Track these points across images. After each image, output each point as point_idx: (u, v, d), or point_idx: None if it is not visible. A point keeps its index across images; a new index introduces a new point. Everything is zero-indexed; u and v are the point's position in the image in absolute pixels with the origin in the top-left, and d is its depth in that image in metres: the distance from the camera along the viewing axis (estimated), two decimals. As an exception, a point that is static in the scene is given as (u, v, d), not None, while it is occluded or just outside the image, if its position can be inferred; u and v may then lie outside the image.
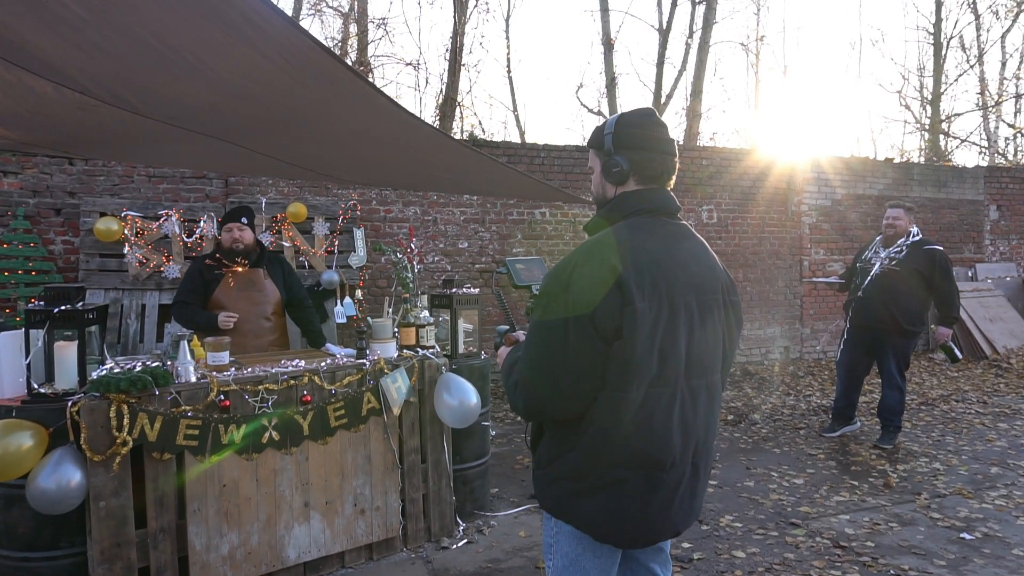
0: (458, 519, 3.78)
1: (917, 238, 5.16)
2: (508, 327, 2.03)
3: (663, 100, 12.31)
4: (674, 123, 12.99)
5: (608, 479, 1.60)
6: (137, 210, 6.22)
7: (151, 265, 6.20)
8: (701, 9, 11.96)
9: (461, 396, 3.46)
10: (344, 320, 6.51)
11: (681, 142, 11.67)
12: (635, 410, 1.55)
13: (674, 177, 1.76)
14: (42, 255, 6.22)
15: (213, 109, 2.95)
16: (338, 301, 6.69)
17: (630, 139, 1.70)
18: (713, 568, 3.36)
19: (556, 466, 1.66)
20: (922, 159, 13.88)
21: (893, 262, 5.12)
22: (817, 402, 6.81)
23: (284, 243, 6.55)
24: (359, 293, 6.96)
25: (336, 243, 6.76)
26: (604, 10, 11.75)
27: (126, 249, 6.11)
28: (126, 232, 6.07)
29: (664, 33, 12.09)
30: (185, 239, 6.30)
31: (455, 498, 3.75)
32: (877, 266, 5.19)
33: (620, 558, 1.82)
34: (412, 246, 3.96)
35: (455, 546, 3.58)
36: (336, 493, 3.27)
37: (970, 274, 9.88)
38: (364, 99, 2.69)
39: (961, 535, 3.71)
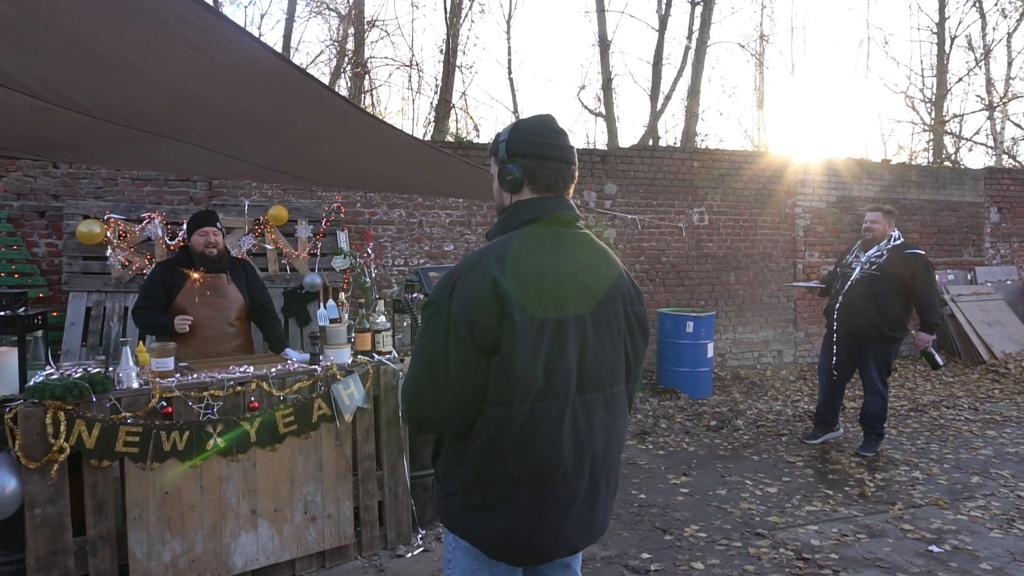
0: (417, 527, 3.74)
1: (898, 242, 5.06)
2: None
3: (661, 100, 12.23)
4: (672, 124, 12.89)
5: (496, 495, 1.56)
6: (120, 213, 6.23)
7: (134, 267, 6.20)
8: (699, 9, 11.87)
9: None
10: (327, 323, 6.48)
11: (678, 143, 11.59)
12: (520, 425, 1.51)
13: (573, 185, 1.72)
14: (25, 257, 6.25)
15: (167, 111, 2.93)
16: (321, 304, 6.68)
17: (524, 146, 1.66)
18: (669, 580, 3.30)
19: (449, 481, 1.63)
20: (929, 160, 13.69)
21: (873, 266, 5.03)
22: (805, 407, 6.72)
23: (267, 245, 6.55)
24: (343, 296, 6.94)
25: (320, 245, 6.74)
26: (600, 11, 11.68)
27: (109, 252, 6.12)
28: (109, 235, 6.09)
29: (661, 33, 12.01)
30: (168, 241, 6.31)
31: (415, 506, 3.71)
32: (857, 271, 5.10)
33: (522, 573, 1.77)
34: (369, 250, 3.91)
35: (411, 554, 3.54)
36: (285, 500, 3.24)
37: (969, 277, 9.72)
38: (318, 98, 2.66)
39: (930, 548, 3.63)
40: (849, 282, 5.12)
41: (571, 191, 1.73)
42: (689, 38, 12.25)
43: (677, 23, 20.52)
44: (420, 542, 3.65)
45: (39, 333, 2.98)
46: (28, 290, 5.93)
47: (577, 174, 1.74)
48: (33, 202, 6.36)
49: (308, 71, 2.71)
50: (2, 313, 2.77)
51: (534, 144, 1.66)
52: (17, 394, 2.79)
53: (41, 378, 2.77)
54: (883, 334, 5.00)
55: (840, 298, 5.15)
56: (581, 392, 1.58)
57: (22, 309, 2.86)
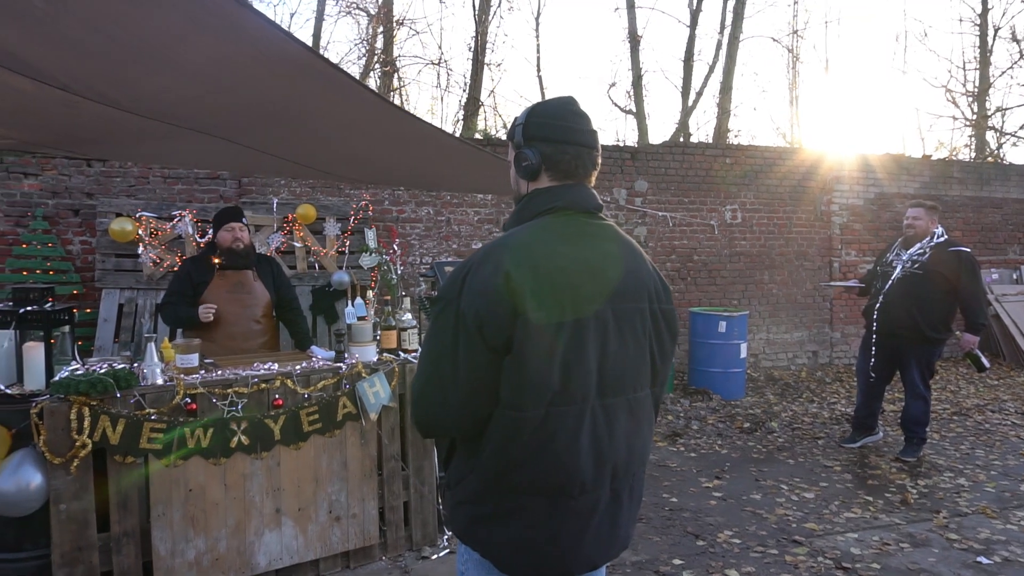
0: (443, 528, 3.68)
1: (942, 239, 4.86)
2: None
3: (692, 97, 12.03)
4: (704, 120, 12.68)
5: (508, 506, 1.45)
6: (152, 211, 6.29)
7: (164, 265, 6.25)
8: (732, 3, 11.65)
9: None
10: (355, 320, 6.47)
11: (710, 140, 11.39)
12: (533, 431, 1.40)
13: (595, 172, 1.59)
14: (60, 255, 6.34)
15: (197, 102, 2.90)
16: (349, 302, 6.66)
17: (542, 130, 1.54)
18: (702, 587, 3.19)
19: (460, 489, 1.52)
20: (971, 156, 13.27)
21: (915, 265, 4.84)
22: (842, 410, 6.52)
23: (295, 243, 6.56)
24: (370, 294, 6.93)
25: (347, 243, 6.73)
26: (631, 6, 11.52)
27: (140, 249, 6.18)
28: (140, 233, 6.15)
29: (693, 28, 11.81)
30: (198, 239, 6.35)
31: (441, 506, 3.64)
32: (898, 269, 4.91)
33: None
34: (395, 247, 3.86)
35: (436, 556, 3.47)
36: (310, 499, 3.20)
37: (1015, 276, 9.38)
38: (348, 91, 2.62)
39: (978, 559, 3.46)
40: (890, 281, 4.93)
41: (593, 178, 1.60)
42: (721, 33, 12.03)
43: (708, 18, 20.21)
44: (446, 543, 3.58)
45: (66, 328, 2.98)
46: (61, 287, 6.02)
47: (600, 160, 1.62)
48: (68, 200, 6.44)
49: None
50: (29, 308, 2.76)
51: (553, 127, 1.54)
52: (43, 389, 2.79)
53: (67, 373, 2.76)
54: (926, 335, 4.81)
55: (880, 298, 4.97)
56: (602, 396, 1.46)
57: (48, 304, 2.85)
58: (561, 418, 1.41)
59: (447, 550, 3.53)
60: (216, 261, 3.99)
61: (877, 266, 5.23)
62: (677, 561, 3.45)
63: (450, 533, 3.67)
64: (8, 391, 2.77)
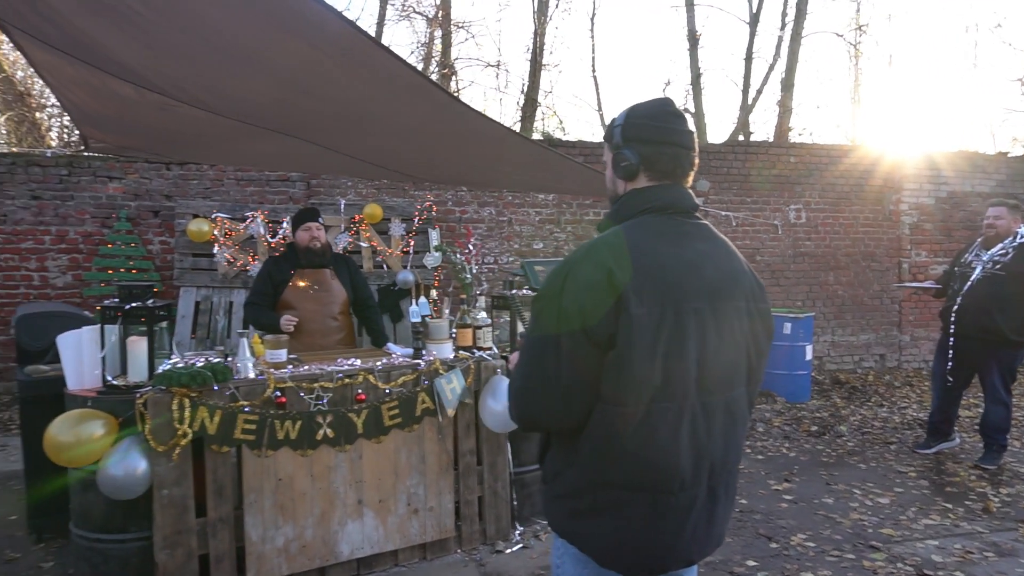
0: (515, 523, 3.74)
1: (1025, 239, 4.70)
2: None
3: (752, 95, 11.85)
4: (763, 119, 12.46)
5: (608, 500, 1.48)
6: (226, 212, 6.54)
7: (238, 264, 6.50)
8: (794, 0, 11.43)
9: (506, 401, 3.38)
10: (419, 320, 6.60)
11: (770, 139, 11.19)
12: (635, 427, 1.42)
13: (692, 173, 1.62)
14: (142, 254, 6.65)
15: (280, 105, 3.03)
16: (413, 301, 6.80)
17: (641, 131, 1.57)
18: (778, 589, 3.17)
19: (558, 483, 1.56)
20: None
21: (997, 265, 4.68)
22: (913, 415, 6.34)
23: (362, 243, 6.73)
24: (434, 293, 7.05)
25: (412, 243, 6.87)
26: (689, 4, 11.42)
27: (216, 249, 6.44)
28: (216, 233, 6.40)
29: (753, 25, 11.62)
30: (269, 239, 6.57)
31: (515, 501, 3.71)
32: (978, 270, 4.76)
33: None
34: (470, 247, 3.94)
35: (510, 550, 3.53)
36: (390, 492, 3.29)
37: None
38: (424, 94, 2.70)
39: (1068, 570, 3.34)
40: (969, 282, 4.78)
41: (690, 179, 1.63)
42: (782, 29, 11.81)
43: (769, 14, 19.81)
44: (519, 538, 3.64)
45: (164, 324, 3.14)
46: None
47: (697, 161, 1.66)
48: (148, 202, 6.75)
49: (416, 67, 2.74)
50: (134, 304, 2.93)
51: (651, 128, 1.57)
52: (146, 381, 2.95)
53: (168, 366, 2.91)
54: (1008, 338, 4.65)
55: (958, 299, 4.83)
56: (701, 393, 1.48)
57: (151, 301, 3.02)
58: (662, 414, 1.43)
59: (520, 545, 3.58)
60: (291, 265, 4.13)
61: (954, 267, 5.08)
62: (751, 563, 3.43)
63: (522, 528, 3.74)
64: (115, 382, 2.95)
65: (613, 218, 1.60)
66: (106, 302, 3.01)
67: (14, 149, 7.51)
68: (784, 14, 11.88)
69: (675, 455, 1.46)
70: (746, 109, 11.85)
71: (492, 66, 12.00)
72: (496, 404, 3.37)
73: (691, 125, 1.63)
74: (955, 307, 4.85)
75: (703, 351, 1.47)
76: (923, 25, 24.78)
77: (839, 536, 3.75)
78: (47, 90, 9.55)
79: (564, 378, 1.43)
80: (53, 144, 9.63)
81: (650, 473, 1.46)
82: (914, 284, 6.21)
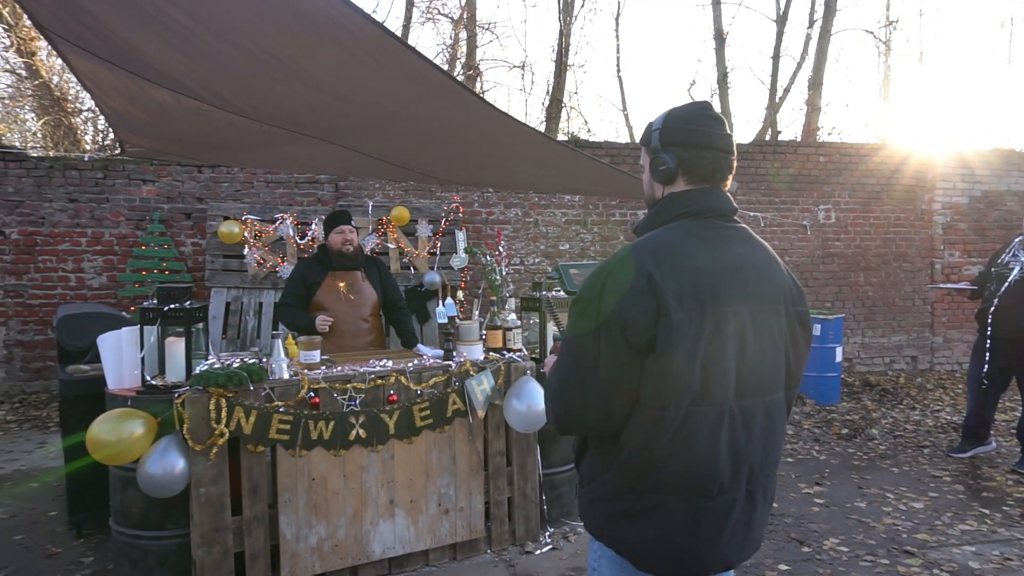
0: (545, 525, 3.74)
1: (1066, 239, 4.60)
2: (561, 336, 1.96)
3: (780, 94, 11.71)
4: (791, 118, 12.31)
5: (646, 504, 1.48)
6: (256, 214, 6.63)
7: (268, 265, 6.58)
8: (823, -4, 11.28)
9: (529, 401, 3.38)
10: (445, 321, 6.64)
11: (798, 138, 11.07)
12: (675, 430, 1.43)
13: (731, 176, 1.61)
14: (174, 256, 6.77)
15: (311, 109, 3.08)
16: (440, 302, 6.84)
17: (679, 135, 1.57)
18: (812, 594, 3.14)
19: (595, 485, 1.56)
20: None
21: (1035, 266, 4.59)
22: (947, 419, 6.24)
23: (389, 245, 6.78)
24: (460, 294, 7.09)
25: (438, 245, 6.91)
26: (716, 3, 11.32)
27: (246, 250, 6.53)
28: (246, 235, 6.49)
29: (781, 23, 11.49)
30: (298, 241, 6.65)
31: (545, 503, 3.71)
32: (1016, 270, 4.67)
33: None
34: (500, 248, 3.95)
35: (539, 551, 3.54)
36: (421, 492, 3.32)
37: None
38: (452, 96, 2.72)
39: (1112, 578, 3.27)
40: (1007, 284, 4.70)
41: (729, 182, 1.63)
42: (811, 27, 11.66)
43: (797, 11, 19.57)
44: (548, 540, 3.65)
45: (200, 325, 3.20)
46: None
47: (736, 165, 1.65)
48: (181, 204, 6.86)
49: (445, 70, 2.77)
50: (173, 305, 2.98)
51: (690, 132, 1.57)
52: (184, 381, 3.01)
53: (204, 367, 2.97)
54: (1046, 341, 4.56)
55: (995, 300, 4.74)
56: (740, 397, 1.48)
57: (188, 302, 3.08)
58: (701, 418, 1.44)
59: (550, 546, 3.59)
60: (324, 267, 4.18)
61: (991, 267, 4.98)
62: (783, 567, 3.40)
63: (552, 529, 3.74)
64: (153, 382, 3.01)
65: (651, 222, 1.60)
66: (145, 303, 3.07)
67: (51, 153, 7.68)
68: (812, 11, 11.74)
69: (714, 459, 1.46)
70: (773, 108, 11.72)
71: (517, 67, 12.02)
72: (520, 404, 3.38)
73: (729, 129, 1.62)
74: (992, 308, 4.77)
75: (742, 355, 1.47)
76: (955, 20, 24.31)
77: (872, 541, 3.70)
78: (82, 95, 9.78)
79: (603, 382, 1.44)
80: (88, 148, 9.83)
81: (689, 477, 1.46)
82: (949, 285, 6.11)
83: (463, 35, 12.43)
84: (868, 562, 3.46)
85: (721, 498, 1.48)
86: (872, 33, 13.21)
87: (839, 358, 6.88)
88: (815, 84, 11.28)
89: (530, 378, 3.53)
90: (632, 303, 1.40)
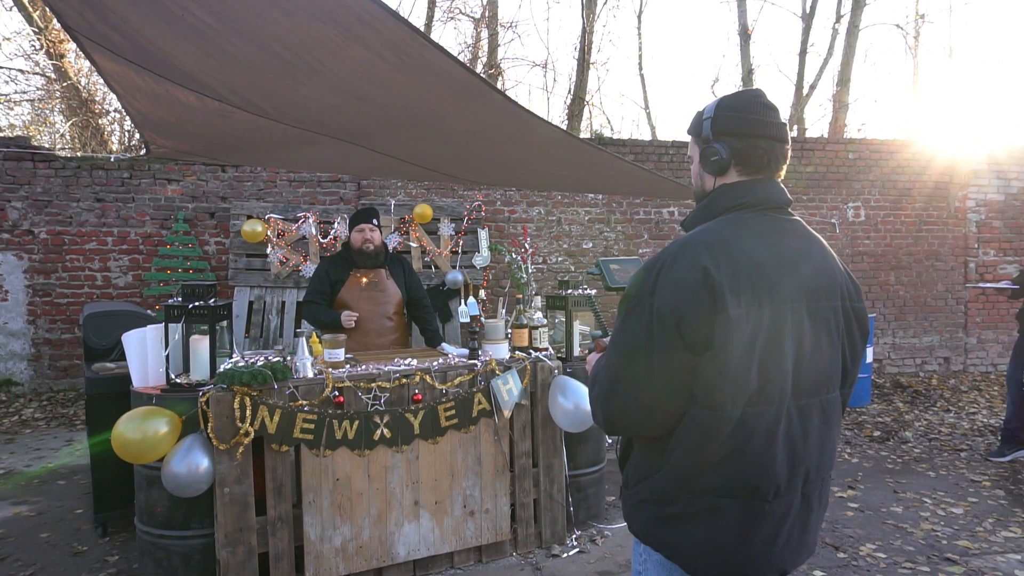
0: (572, 527, 3.67)
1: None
2: (600, 332, 1.89)
3: (806, 91, 11.52)
4: (818, 115, 12.12)
5: (700, 507, 1.41)
6: (279, 213, 6.63)
7: (291, 264, 6.59)
8: (851, -9, 11.08)
9: (576, 399, 3.34)
10: (467, 319, 6.60)
11: (826, 135, 10.88)
12: (730, 431, 1.36)
13: (784, 167, 1.54)
14: (198, 255, 6.80)
15: (335, 110, 3.04)
16: (462, 300, 6.80)
17: (732, 124, 1.50)
18: (849, 602, 3.04)
19: (643, 487, 1.49)
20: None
21: (1080, 264, 4.43)
22: (983, 421, 6.06)
23: (411, 243, 6.75)
24: (482, 293, 7.04)
25: (461, 243, 6.87)
26: (741, -1, 11.20)
27: (269, 249, 6.54)
28: (269, 234, 6.50)
29: (808, 19, 11.30)
30: (320, 240, 6.64)
31: (571, 505, 3.64)
32: (1059, 269, 4.52)
33: None
34: (526, 246, 3.89)
35: (566, 555, 3.47)
36: (446, 493, 3.27)
37: None
38: (478, 95, 2.67)
39: None
40: (1049, 282, 4.54)
41: (782, 173, 1.56)
42: (838, 22, 11.46)
43: (824, 6, 19.24)
44: (575, 543, 3.57)
45: (224, 323, 3.17)
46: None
47: (789, 154, 1.57)
48: (204, 204, 6.89)
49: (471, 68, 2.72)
50: (197, 303, 2.96)
51: (743, 121, 1.50)
52: (208, 379, 2.98)
53: (229, 365, 2.94)
54: (1091, 341, 4.40)
55: (1037, 300, 4.59)
56: (797, 396, 1.41)
57: (212, 300, 3.05)
58: (758, 418, 1.37)
59: (576, 549, 3.52)
60: (348, 265, 4.15)
61: (1032, 266, 4.83)
62: (818, 573, 3.30)
63: (579, 532, 3.67)
64: (178, 380, 2.99)
65: (702, 215, 1.53)
66: (170, 301, 3.04)
67: (79, 153, 7.75)
68: (839, 6, 11.54)
69: (771, 460, 1.39)
70: (800, 105, 11.54)
71: (539, 65, 11.95)
72: (567, 402, 3.33)
73: (783, 117, 1.55)
74: (1033, 308, 4.61)
75: (800, 352, 1.40)
76: (985, 14, 23.79)
77: (911, 547, 3.58)
78: (109, 96, 9.89)
79: (656, 381, 1.38)
80: (115, 148, 9.93)
81: (745, 479, 1.39)
82: (989, 284, 5.95)
83: (484, 34, 12.39)
84: (907, 569, 3.35)
85: (777, 501, 1.41)
86: (900, 28, 12.96)
87: (869, 359, 6.72)
88: (843, 80, 11.09)
89: (567, 377, 3.47)
90: (688, 298, 1.34)
